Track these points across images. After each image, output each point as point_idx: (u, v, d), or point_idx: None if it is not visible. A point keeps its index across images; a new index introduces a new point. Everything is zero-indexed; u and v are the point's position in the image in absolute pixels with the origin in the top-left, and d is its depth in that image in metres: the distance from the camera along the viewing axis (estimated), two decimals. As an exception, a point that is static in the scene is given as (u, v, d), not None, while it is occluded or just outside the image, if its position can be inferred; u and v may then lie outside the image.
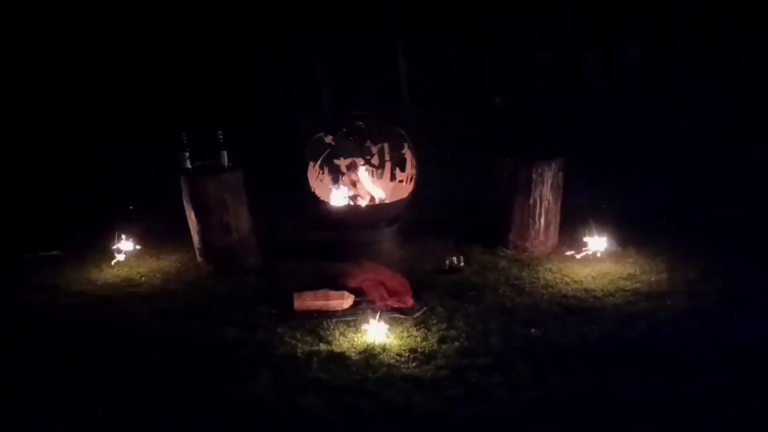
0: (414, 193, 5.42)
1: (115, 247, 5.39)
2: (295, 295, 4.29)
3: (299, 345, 3.80)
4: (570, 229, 5.34)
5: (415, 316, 4.13)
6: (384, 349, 3.70)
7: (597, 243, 5.02)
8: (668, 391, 3.24)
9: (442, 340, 3.80)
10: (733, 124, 9.81)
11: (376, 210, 5.36)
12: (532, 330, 3.90)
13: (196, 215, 5.00)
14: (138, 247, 5.46)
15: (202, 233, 5.04)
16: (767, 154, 7.73)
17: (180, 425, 3.15)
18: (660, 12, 14.35)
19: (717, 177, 7.25)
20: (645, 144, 9.16)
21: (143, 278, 5.01)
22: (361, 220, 5.27)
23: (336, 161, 5.48)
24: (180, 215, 5.14)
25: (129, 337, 4.00)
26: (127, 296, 4.67)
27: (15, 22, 6.03)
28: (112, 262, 5.29)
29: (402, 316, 4.11)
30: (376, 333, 3.80)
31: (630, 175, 7.58)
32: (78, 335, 4.05)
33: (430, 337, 3.84)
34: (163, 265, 5.29)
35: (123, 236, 5.46)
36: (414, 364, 3.55)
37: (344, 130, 5.36)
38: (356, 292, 4.41)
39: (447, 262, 4.94)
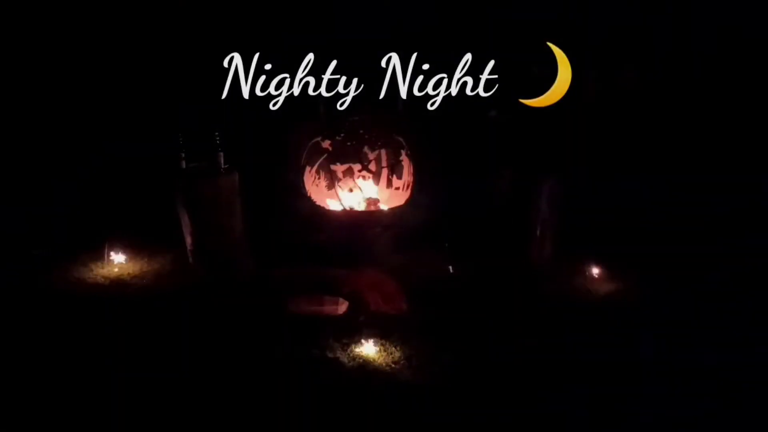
0: (410, 200, 5.40)
1: (105, 247, 5.31)
2: (290, 299, 4.26)
3: (293, 349, 3.74)
4: (566, 240, 5.34)
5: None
6: (379, 355, 3.67)
7: (590, 254, 5.01)
8: (661, 402, 3.26)
9: (437, 348, 3.77)
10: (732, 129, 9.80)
11: (373, 216, 5.34)
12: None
13: (190, 217, 4.94)
14: (129, 247, 5.38)
15: (195, 235, 4.98)
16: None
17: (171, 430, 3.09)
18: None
19: (713, 189, 7.25)
20: (644, 154, 9.15)
21: (134, 279, 4.94)
22: (357, 226, 5.24)
23: (333, 167, 5.45)
24: (174, 216, 5.08)
25: (116, 340, 3.92)
26: (116, 298, 4.58)
27: (17, 23, 5.99)
28: (103, 263, 5.22)
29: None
30: (372, 339, 3.77)
31: (629, 185, 7.55)
32: (63, 337, 3.97)
33: (425, 345, 3.80)
34: (154, 266, 5.21)
35: (114, 236, 5.38)
36: (409, 372, 3.52)
37: (342, 135, 5.34)
38: (351, 297, 4.38)
39: (442, 270, 4.91)
